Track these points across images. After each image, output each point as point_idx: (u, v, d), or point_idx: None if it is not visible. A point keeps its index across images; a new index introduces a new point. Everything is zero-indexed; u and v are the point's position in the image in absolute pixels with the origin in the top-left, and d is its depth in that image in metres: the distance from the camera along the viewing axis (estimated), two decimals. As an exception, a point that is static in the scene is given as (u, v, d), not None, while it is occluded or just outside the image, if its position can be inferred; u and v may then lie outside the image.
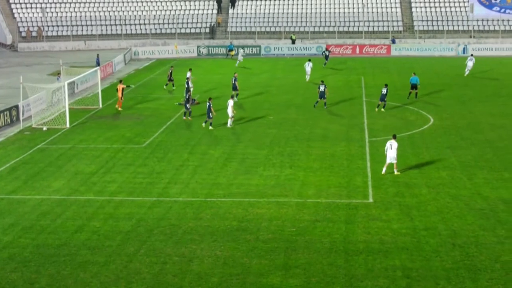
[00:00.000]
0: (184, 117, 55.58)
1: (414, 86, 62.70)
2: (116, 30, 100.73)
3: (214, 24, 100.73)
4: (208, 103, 52.44)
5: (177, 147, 47.52)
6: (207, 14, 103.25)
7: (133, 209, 35.48)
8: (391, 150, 40.61)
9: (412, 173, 41.01)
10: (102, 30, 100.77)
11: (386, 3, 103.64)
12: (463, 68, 77.22)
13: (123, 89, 60.80)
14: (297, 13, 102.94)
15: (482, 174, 40.68)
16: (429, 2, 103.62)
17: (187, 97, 56.30)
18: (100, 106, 61.24)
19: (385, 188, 38.20)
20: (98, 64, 77.58)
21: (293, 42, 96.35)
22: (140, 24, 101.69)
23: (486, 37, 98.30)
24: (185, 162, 43.95)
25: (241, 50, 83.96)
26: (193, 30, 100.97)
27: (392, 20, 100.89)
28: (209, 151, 46.17)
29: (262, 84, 71.87)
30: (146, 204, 36.16)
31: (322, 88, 59.33)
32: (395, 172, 40.88)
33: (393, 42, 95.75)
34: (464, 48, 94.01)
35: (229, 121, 52.91)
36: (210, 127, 52.25)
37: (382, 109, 57.96)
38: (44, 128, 53.08)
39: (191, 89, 60.53)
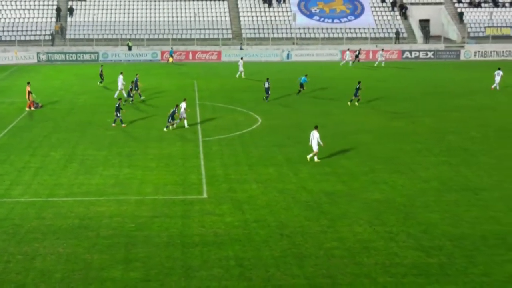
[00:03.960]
0: (122, 125, 52.96)
1: (301, 85, 67.05)
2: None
3: (53, 32, 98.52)
4: (174, 109, 51.73)
5: (19, 149, 46.13)
6: (46, 22, 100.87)
7: (-25, 210, 34.25)
8: (314, 140, 42.54)
9: (243, 170, 41.45)
10: None
11: (216, 12, 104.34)
12: (287, 73, 78.96)
13: (29, 91, 59.36)
14: (133, 21, 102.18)
15: (306, 169, 41.55)
16: (256, 12, 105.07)
17: (117, 105, 53.38)
18: None
19: (218, 185, 38.45)
20: None
21: (130, 48, 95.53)
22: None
23: (307, 43, 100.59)
24: (27, 164, 42.76)
25: (240, 61, 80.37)
26: (32, 38, 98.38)
27: (221, 28, 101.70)
28: (50, 153, 45.11)
29: (101, 89, 70.98)
30: (-12, 205, 34.99)
31: (266, 85, 63.18)
32: (315, 160, 42.82)
33: (241, 48, 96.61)
34: (288, 54, 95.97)
35: (185, 122, 52.51)
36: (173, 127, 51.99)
37: (356, 103, 62.00)
38: None
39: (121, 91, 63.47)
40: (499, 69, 72.17)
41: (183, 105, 52.82)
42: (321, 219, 33.01)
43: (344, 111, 59.08)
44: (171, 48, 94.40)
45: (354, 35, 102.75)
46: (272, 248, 29.46)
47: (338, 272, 27.15)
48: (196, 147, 46.92)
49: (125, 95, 62.66)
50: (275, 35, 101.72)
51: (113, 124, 52.98)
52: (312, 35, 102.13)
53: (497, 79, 71.21)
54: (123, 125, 52.99)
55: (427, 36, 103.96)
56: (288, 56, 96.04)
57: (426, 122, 55.31)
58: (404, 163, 43.03)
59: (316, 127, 43.22)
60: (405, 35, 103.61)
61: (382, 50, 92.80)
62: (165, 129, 51.58)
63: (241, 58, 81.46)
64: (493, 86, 71.30)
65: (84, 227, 31.97)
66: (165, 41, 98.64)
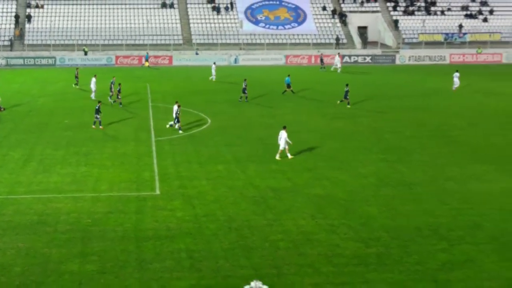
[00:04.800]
0: (100, 126, 51.91)
1: (288, 86, 68.22)
2: None
3: (12, 37, 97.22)
4: (176, 110, 50.98)
5: (-21, 150, 45.53)
6: (5, 28, 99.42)
7: None
8: (282, 139, 42.83)
9: (193, 167, 41.40)
10: None
11: (167, 19, 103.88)
12: (234, 76, 79.02)
13: None
14: (88, 27, 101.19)
15: (253, 167, 41.64)
16: (205, 19, 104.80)
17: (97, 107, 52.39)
18: None
19: (170, 182, 38.36)
20: None
21: (86, 53, 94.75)
22: None
23: (254, 49, 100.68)
24: (-13, 163, 42.24)
25: (213, 66, 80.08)
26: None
27: (173, 34, 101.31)
28: (9, 153, 44.51)
29: (59, 92, 70.30)
30: (-50, 203, 34.42)
31: (244, 85, 63.74)
32: (289, 157, 43.10)
33: (196, 54, 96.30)
34: (235, 59, 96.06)
35: (171, 123, 51.83)
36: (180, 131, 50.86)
37: (348, 105, 62.25)
38: None
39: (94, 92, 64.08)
40: (457, 71, 73.05)
41: (174, 107, 51.91)
42: (267, 213, 33.13)
43: (287, 112, 59.28)
44: (147, 53, 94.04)
45: (297, 41, 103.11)
46: (221, 241, 29.49)
47: (284, 262, 27.28)
48: (149, 147, 46.74)
49: (115, 99, 62.08)
50: (224, 41, 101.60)
51: (93, 126, 52.11)
52: (258, 41, 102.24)
53: (456, 80, 72.08)
54: (101, 127, 52.17)
55: (365, 42, 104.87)
56: (235, 60, 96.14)
57: (365, 122, 55.79)
58: (345, 161, 43.37)
59: (284, 127, 43.42)
60: (345, 41, 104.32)
61: (338, 54, 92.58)
62: (180, 131, 51.04)
63: (214, 63, 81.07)
64: (454, 88, 72.15)
65: (43, 222, 31.66)
66: (119, 46, 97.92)
